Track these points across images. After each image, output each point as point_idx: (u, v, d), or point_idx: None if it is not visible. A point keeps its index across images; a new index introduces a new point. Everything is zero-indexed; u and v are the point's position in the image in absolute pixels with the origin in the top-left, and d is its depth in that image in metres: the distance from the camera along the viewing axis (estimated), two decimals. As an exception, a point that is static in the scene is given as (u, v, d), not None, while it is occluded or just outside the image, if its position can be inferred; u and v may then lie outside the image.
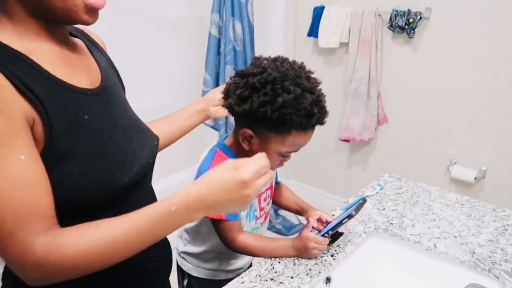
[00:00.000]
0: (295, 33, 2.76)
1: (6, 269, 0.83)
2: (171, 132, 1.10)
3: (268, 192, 1.14)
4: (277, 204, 1.25)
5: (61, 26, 0.76)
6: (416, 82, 2.32)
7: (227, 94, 0.97)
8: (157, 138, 0.93)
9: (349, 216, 0.95)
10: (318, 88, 0.95)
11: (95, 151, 0.72)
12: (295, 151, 0.99)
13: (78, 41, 0.85)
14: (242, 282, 0.94)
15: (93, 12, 0.73)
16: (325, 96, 0.96)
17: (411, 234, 1.12)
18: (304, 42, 2.72)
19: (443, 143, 2.31)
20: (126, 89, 0.95)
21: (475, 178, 2.17)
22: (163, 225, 0.68)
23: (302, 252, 1.00)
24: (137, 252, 0.69)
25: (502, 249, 1.06)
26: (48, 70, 0.70)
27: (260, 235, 1.08)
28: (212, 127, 2.49)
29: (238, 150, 1.03)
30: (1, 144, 0.60)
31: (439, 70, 2.21)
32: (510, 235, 1.13)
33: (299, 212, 1.17)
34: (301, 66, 0.96)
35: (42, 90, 0.66)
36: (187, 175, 2.44)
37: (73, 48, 0.80)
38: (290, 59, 0.98)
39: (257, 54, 2.53)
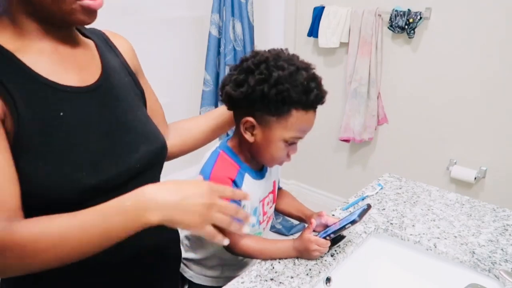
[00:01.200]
0: (295, 33, 2.76)
1: None
2: (199, 131, 1.12)
3: (271, 196, 1.14)
4: (279, 210, 1.23)
5: (63, 28, 0.77)
6: (416, 82, 2.32)
7: (222, 86, 0.98)
8: (161, 143, 0.91)
9: (353, 222, 0.94)
10: (313, 68, 0.96)
11: (63, 149, 0.72)
12: (300, 138, 0.98)
13: (87, 41, 0.86)
14: (242, 282, 0.94)
15: (90, 12, 0.74)
16: (321, 78, 0.96)
17: (411, 234, 1.12)
18: (304, 42, 2.72)
19: (443, 143, 2.31)
20: None
21: (475, 178, 2.17)
22: (116, 222, 0.66)
23: (303, 254, 1.00)
24: (94, 250, 0.68)
25: (502, 249, 1.06)
26: (32, 67, 0.72)
27: (261, 238, 1.08)
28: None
29: (241, 150, 1.02)
30: None
31: (439, 70, 2.21)
32: (510, 235, 1.13)
33: (301, 218, 1.15)
34: (294, 54, 0.98)
35: (16, 84, 0.68)
36: (188, 174, 2.44)
37: (72, 46, 0.81)
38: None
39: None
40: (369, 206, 0.99)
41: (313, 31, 2.57)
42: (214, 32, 2.35)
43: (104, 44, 0.90)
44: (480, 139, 2.17)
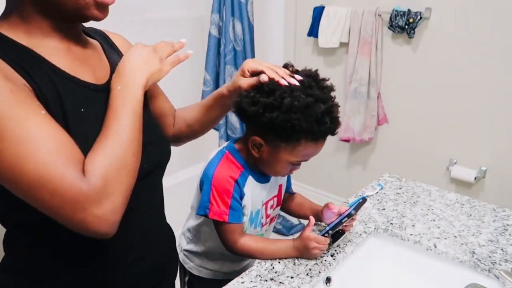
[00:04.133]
0: (295, 33, 2.76)
1: (3, 260, 0.83)
2: (201, 114, 1.11)
3: (275, 199, 1.14)
4: (294, 215, 1.23)
5: (72, 25, 0.78)
6: (416, 82, 2.32)
7: (240, 97, 0.96)
8: (166, 146, 0.93)
9: (349, 215, 0.95)
10: (332, 98, 0.94)
11: (79, 145, 0.72)
12: (305, 161, 0.99)
13: (93, 41, 0.87)
14: (242, 282, 0.94)
15: (103, 7, 0.75)
16: (338, 106, 0.94)
17: (411, 234, 1.12)
18: (304, 42, 2.72)
19: (443, 143, 2.31)
20: None
21: (475, 178, 2.17)
22: (121, 106, 0.74)
23: (303, 253, 1.00)
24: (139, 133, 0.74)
25: (502, 249, 1.07)
26: (52, 62, 0.73)
27: (261, 237, 1.08)
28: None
29: (247, 155, 1.02)
30: (23, 105, 0.63)
31: (439, 70, 2.21)
32: (510, 235, 1.13)
33: (318, 217, 1.14)
34: (314, 75, 0.96)
35: (42, 78, 0.69)
36: (189, 174, 2.44)
37: (83, 46, 0.82)
38: (298, 66, 0.98)
39: (257, 54, 2.53)
40: (364, 199, 1.00)
41: (313, 31, 2.57)
42: (214, 32, 2.35)
43: (106, 44, 0.91)
44: (480, 139, 2.17)
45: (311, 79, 0.94)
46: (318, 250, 0.98)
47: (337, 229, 1.00)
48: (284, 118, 0.88)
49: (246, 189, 1.01)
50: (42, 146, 0.61)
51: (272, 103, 0.89)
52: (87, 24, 0.84)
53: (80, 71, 0.77)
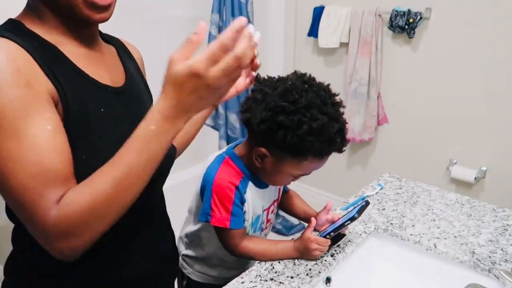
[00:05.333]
0: (295, 33, 2.76)
1: (8, 260, 0.84)
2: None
3: (275, 204, 1.14)
4: (287, 212, 1.23)
5: (85, 27, 0.79)
6: (416, 82, 2.32)
7: (244, 110, 0.94)
8: (172, 150, 0.92)
9: (352, 219, 0.94)
10: (343, 115, 0.93)
11: (98, 144, 0.74)
12: (307, 174, 0.98)
13: (108, 45, 0.89)
14: (242, 282, 0.94)
15: (95, 7, 0.73)
16: (347, 123, 0.93)
17: (411, 234, 1.13)
18: (304, 42, 2.73)
19: (443, 143, 2.31)
20: None
21: (475, 178, 2.17)
22: (155, 145, 0.64)
23: (304, 254, 1.00)
24: (147, 179, 0.66)
25: (502, 249, 1.07)
26: (74, 62, 0.74)
27: (262, 239, 1.08)
28: (212, 127, 2.49)
29: (249, 163, 1.00)
30: (29, 113, 0.63)
31: (439, 70, 2.22)
32: (510, 235, 1.13)
33: (307, 220, 1.13)
34: (327, 90, 0.93)
35: (65, 78, 0.70)
36: (190, 173, 2.44)
37: (100, 48, 0.84)
38: (297, 68, 0.95)
39: (257, 53, 2.52)
40: (367, 203, 0.99)
41: (313, 31, 2.57)
42: (214, 32, 2.35)
43: (122, 50, 0.92)
44: (480, 140, 2.17)
45: (323, 91, 0.91)
46: (319, 251, 0.98)
47: (338, 232, 1.00)
48: (298, 140, 0.86)
49: (247, 196, 1.00)
50: (25, 169, 0.62)
51: (288, 124, 0.86)
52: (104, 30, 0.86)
53: (98, 72, 0.78)
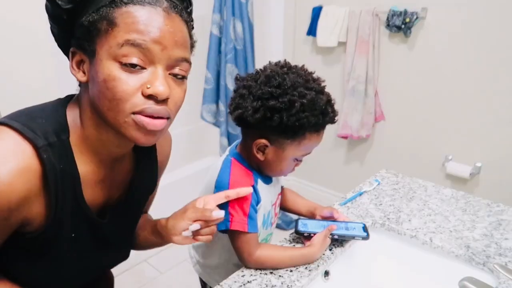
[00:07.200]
0: (294, 32, 2.77)
1: None
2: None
3: (280, 197, 1.15)
4: (286, 209, 1.21)
5: (123, 149, 0.77)
6: (412, 80, 2.34)
7: (234, 108, 0.95)
8: (124, 258, 0.95)
9: (364, 238, 1.02)
10: (324, 85, 0.96)
11: (56, 263, 0.77)
12: (309, 153, 1.00)
13: (121, 162, 0.83)
14: (243, 276, 0.95)
15: (145, 131, 0.67)
16: (334, 99, 0.97)
17: (407, 229, 1.14)
18: (303, 41, 2.74)
19: (438, 140, 2.33)
20: None
21: (470, 174, 2.19)
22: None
23: (321, 249, 1.00)
24: None
25: (496, 243, 1.08)
26: (84, 193, 0.73)
27: (275, 248, 1.02)
28: (214, 124, 2.50)
29: (250, 160, 1.01)
30: None
31: (435, 68, 2.24)
32: (504, 229, 1.14)
33: (311, 215, 1.15)
34: (304, 69, 0.96)
35: (66, 214, 0.71)
36: (188, 171, 2.44)
37: (116, 167, 0.81)
38: (291, 63, 0.98)
39: (257, 52, 2.53)
40: (365, 225, 1.06)
41: (312, 31, 2.59)
42: (215, 32, 2.37)
43: (144, 158, 0.89)
44: (475, 136, 2.19)
45: (302, 71, 0.94)
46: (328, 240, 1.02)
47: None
48: (295, 119, 0.88)
49: (260, 193, 1.00)
50: None
51: (280, 106, 0.88)
52: None
53: (94, 192, 0.77)
